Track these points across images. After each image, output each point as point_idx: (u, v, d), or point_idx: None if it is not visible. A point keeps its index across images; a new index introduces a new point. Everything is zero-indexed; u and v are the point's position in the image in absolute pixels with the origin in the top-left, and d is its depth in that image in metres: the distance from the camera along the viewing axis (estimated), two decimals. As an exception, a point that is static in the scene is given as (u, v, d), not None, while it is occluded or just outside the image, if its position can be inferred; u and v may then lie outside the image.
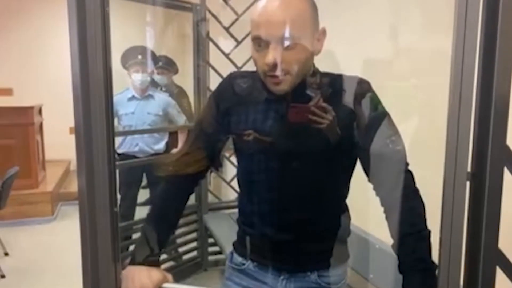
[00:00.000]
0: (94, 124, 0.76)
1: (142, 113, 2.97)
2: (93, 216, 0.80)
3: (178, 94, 3.63)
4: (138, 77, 2.93)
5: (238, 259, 1.19)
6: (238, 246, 1.20)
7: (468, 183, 0.73)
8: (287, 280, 1.12)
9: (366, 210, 1.90)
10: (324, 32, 0.99)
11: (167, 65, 3.45)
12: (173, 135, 3.36)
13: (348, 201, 1.17)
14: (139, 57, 2.98)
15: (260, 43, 0.92)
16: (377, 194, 1.04)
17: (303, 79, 0.99)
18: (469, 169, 0.72)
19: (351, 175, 1.12)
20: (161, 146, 3.11)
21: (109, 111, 0.83)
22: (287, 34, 0.89)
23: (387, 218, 1.02)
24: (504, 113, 0.69)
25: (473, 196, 0.72)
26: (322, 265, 1.12)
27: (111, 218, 0.81)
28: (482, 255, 0.71)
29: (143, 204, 3.40)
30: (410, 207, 0.96)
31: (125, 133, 2.99)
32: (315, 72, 1.04)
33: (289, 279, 1.12)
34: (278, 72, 0.92)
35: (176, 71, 3.49)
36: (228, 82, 1.12)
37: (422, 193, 0.96)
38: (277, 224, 1.09)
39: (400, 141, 1.00)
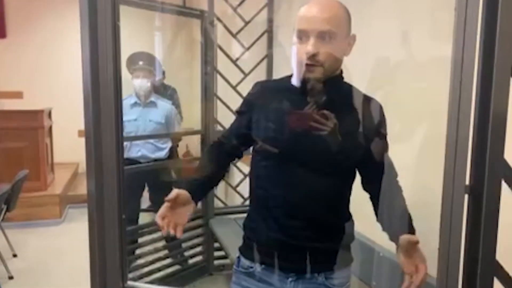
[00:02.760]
0: (104, 129, 0.79)
1: (144, 120, 2.96)
2: (102, 219, 0.83)
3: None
4: (137, 83, 2.94)
5: (245, 263, 1.22)
6: (245, 250, 1.24)
7: (466, 196, 0.74)
8: (295, 281, 1.15)
9: (371, 217, 1.91)
10: (354, 38, 1.13)
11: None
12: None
13: (353, 208, 1.20)
14: (140, 63, 2.99)
15: (302, 36, 1.07)
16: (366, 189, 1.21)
17: (329, 77, 1.10)
18: (467, 182, 0.74)
19: (352, 181, 1.19)
20: (162, 153, 3.09)
21: (118, 117, 0.86)
22: (326, 29, 1.04)
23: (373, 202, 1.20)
24: (501, 128, 0.71)
25: (471, 209, 0.74)
26: (329, 267, 1.17)
27: (119, 221, 0.84)
28: (480, 267, 0.73)
29: (146, 210, 3.45)
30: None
31: (133, 139, 3.00)
32: (341, 77, 1.17)
33: (297, 281, 1.15)
34: (314, 60, 1.05)
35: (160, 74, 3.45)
36: (258, 87, 1.25)
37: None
38: (285, 226, 1.13)
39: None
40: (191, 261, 3.02)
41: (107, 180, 0.80)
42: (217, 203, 3.19)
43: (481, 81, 0.72)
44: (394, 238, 1.13)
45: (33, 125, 4.29)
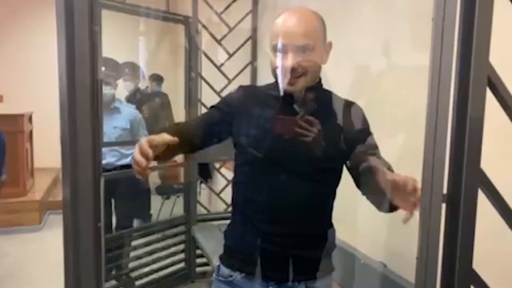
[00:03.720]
0: (79, 135, 0.77)
1: (108, 127, 2.81)
2: (77, 226, 0.80)
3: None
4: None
5: (225, 271, 1.21)
6: (225, 258, 1.23)
7: (444, 205, 0.75)
8: None
9: (352, 225, 1.92)
10: (330, 45, 1.15)
11: (133, 71, 3.40)
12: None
13: (334, 215, 1.20)
14: (102, 68, 2.91)
15: (280, 50, 1.08)
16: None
17: (310, 86, 1.12)
18: (445, 191, 0.75)
19: (336, 188, 1.19)
20: (127, 160, 2.95)
21: (95, 123, 0.84)
22: (303, 43, 1.06)
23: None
24: (478, 137, 0.71)
25: (449, 218, 0.74)
26: (309, 276, 1.17)
27: (94, 229, 0.82)
28: (457, 275, 0.73)
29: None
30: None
31: (112, 144, 2.92)
32: (320, 84, 1.18)
33: None
34: (294, 74, 1.07)
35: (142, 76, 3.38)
36: (242, 91, 1.24)
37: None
38: (267, 234, 1.13)
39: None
40: (173, 268, 2.98)
41: (82, 187, 0.78)
42: (200, 210, 3.16)
43: (458, 91, 0.72)
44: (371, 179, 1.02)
45: (12, 130, 4.20)
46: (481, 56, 0.70)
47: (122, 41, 4.43)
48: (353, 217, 1.88)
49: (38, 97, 5.24)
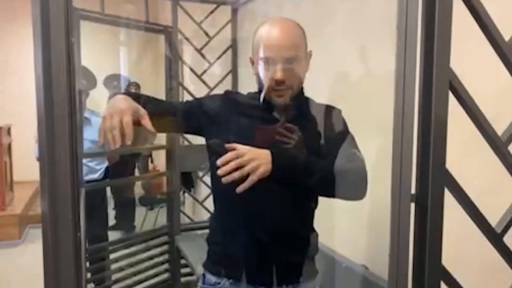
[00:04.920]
0: (57, 147, 0.78)
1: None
2: (56, 240, 0.81)
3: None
4: None
5: (212, 279, 1.21)
6: (211, 266, 1.23)
7: (413, 205, 0.78)
8: None
9: (334, 229, 1.95)
10: (310, 53, 1.18)
11: (119, 82, 3.38)
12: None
13: (317, 221, 1.23)
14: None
15: (268, 63, 1.09)
16: None
17: (294, 95, 1.13)
18: (413, 191, 0.78)
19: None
20: (95, 175, 2.94)
21: (73, 135, 0.85)
22: (291, 55, 1.08)
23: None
24: (442, 139, 0.75)
25: (418, 217, 0.78)
26: (294, 279, 1.18)
27: (74, 242, 0.83)
28: (427, 272, 0.76)
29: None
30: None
31: (92, 156, 2.90)
32: (302, 92, 1.19)
33: None
34: (283, 86, 1.09)
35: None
36: (221, 95, 1.26)
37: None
38: (251, 239, 1.14)
39: (361, 154, 1.11)
40: (157, 279, 2.96)
41: (61, 200, 0.78)
42: (184, 219, 3.15)
43: (423, 96, 0.76)
44: None
45: (-10, 143, 4.13)
46: (443, 62, 0.74)
47: (101, 51, 4.41)
48: (335, 221, 1.91)
49: (17, 109, 5.16)
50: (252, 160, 0.97)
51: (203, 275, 1.24)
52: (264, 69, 1.11)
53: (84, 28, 2.47)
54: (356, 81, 1.72)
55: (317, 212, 1.22)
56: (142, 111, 1.01)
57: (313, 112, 1.19)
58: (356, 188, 1.06)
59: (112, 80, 3.86)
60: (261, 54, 1.10)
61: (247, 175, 0.97)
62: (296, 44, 1.10)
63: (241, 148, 0.99)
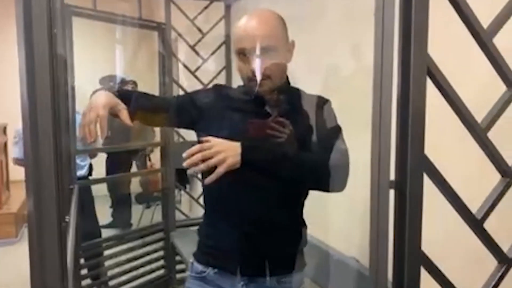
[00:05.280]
0: (41, 144, 0.78)
1: None
2: (42, 235, 0.81)
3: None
4: None
5: (198, 267, 1.22)
6: (198, 255, 1.25)
7: (393, 191, 0.79)
8: (246, 285, 1.16)
9: (326, 221, 1.96)
10: (293, 44, 1.17)
11: (114, 83, 3.44)
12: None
13: (308, 213, 1.23)
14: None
15: (244, 53, 1.10)
16: None
17: (278, 86, 1.14)
18: (393, 178, 0.79)
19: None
20: (82, 172, 2.95)
21: (57, 132, 0.85)
22: (266, 45, 1.08)
23: None
24: (420, 125, 0.76)
25: (397, 203, 0.78)
26: (281, 271, 1.18)
27: (58, 240, 0.83)
28: (407, 257, 0.77)
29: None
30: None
31: (84, 152, 2.90)
32: (288, 83, 1.20)
33: (249, 285, 1.16)
34: (260, 77, 1.09)
35: None
36: (212, 89, 1.28)
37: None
38: (237, 231, 1.15)
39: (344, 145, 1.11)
40: (153, 275, 2.97)
41: (46, 198, 0.78)
42: (180, 216, 3.16)
43: (401, 82, 0.76)
44: None
45: (-15, 142, 4.13)
46: (420, 47, 0.74)
47: (95, 48, 4.41)
48: (326, 214, 1.92)
49: (12, 108, 5.14)
50: (218, 152, 0.99)
51: (192, 263, 1.26)
52: (241, 60, 1.13)
53: (78, 25, 2.47)
54: (343, 72, 1.72)
55: (308, 205, 1.22)
56: (121, 105, 1.04)
57: (304, 104, 1.19)
58: (333, 180, 1.06)
59: (107, 80, 3.93)
60: (237, 46, 1.12)
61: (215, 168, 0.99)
62: (271, 33, 1.10)
63: (212, 140, 0.99)
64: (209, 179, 0.98)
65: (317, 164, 1.06)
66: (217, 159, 0.98)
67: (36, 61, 0.77)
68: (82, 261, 2.59)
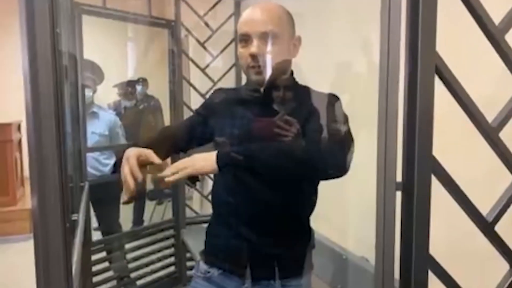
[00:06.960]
0: (44, 142, 0.78)
1: (87, 133, 2.70)
2: (46, 235, 0.81)
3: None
4: None
5: (204, 267, 1.23)
6: (205, 255, 1.24)
7: (400, 193, 0.77)
8: (250, 287, 1.15)
9: (336, 221, 1.94)
10: (299, 39, 1.16)
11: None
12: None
13: (318, 213, 1.21)
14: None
15: (245, 39, 1.09)
16: None
17: (282, 82, 1.12)
18: (399, 180, 0.77)
19: (317, 185, 1.19)
20: (106, 169, 2.97)
21: (60, 129, 0.85)
22: (266, 30, 1.07)
23: None
24: (429, 125, 0.73)
25: (404, 205, 0.76)
26: (286, 275, 1.16)
27: (63, 237, 0.83)
28: (414, 260, 0.75)
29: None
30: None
31: (98, 150, 2.92)
32: (294, 79, 1.18)
33: (253, 287, 1.15)
34: (259, 62, 1.07)
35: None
36: (214, 96, 1.28)
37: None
38: (242, 233, 1.14)
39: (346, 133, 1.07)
40: (163, 272, 2.98)
41: (49, 196, 0.78)
42: (191, 213, 3.17)
43: (409, 81, 0.74)
44: None
45: (1, 139, 4.19)
46: (428, 45, 0.72)
47: (105, 46, 4.44)
48: (335, 213, 1.90)
49: (20, 105, 5.22)
50: (189, 161, 1.01)
51: (198, 262, 1.26)
52: (242, 47, 1.11)
53: (88, 23, 2.48)
54: (351, 71, 1.70)
55: (319, 205, 1.20)
56: (146, 150, 1.06)
57: (313, 103, 1.16)
58: (324, 160, 1.00)
59: (119, 87, 4.00)
60: (239, 32, 1.11)
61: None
62: (272, 20, 1.08)
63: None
64: (172, 177, 0.99)
65: (295, 147, 1.03)
66: (187, 165, 1.00)
67: (38, 58, 0.77)
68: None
